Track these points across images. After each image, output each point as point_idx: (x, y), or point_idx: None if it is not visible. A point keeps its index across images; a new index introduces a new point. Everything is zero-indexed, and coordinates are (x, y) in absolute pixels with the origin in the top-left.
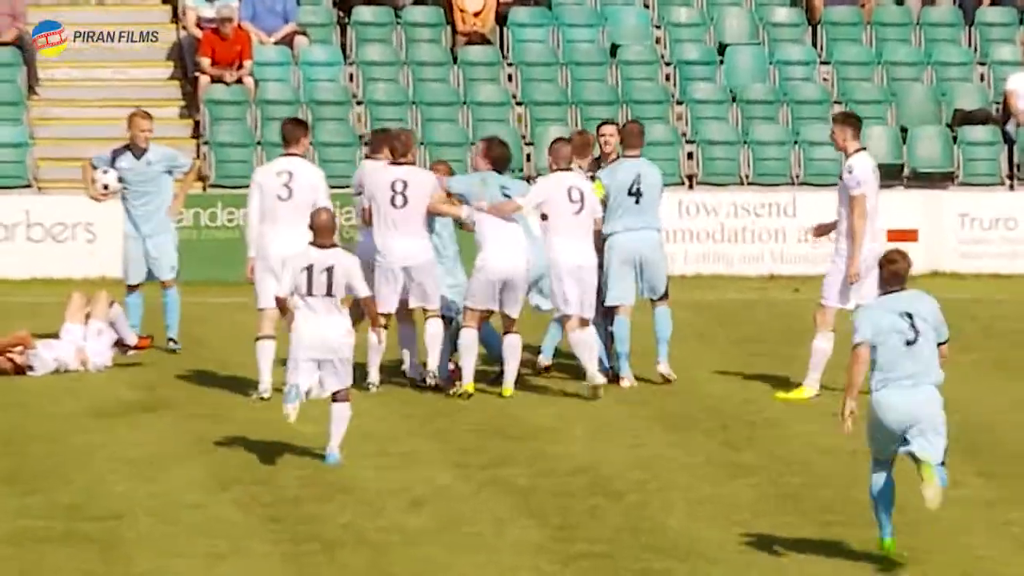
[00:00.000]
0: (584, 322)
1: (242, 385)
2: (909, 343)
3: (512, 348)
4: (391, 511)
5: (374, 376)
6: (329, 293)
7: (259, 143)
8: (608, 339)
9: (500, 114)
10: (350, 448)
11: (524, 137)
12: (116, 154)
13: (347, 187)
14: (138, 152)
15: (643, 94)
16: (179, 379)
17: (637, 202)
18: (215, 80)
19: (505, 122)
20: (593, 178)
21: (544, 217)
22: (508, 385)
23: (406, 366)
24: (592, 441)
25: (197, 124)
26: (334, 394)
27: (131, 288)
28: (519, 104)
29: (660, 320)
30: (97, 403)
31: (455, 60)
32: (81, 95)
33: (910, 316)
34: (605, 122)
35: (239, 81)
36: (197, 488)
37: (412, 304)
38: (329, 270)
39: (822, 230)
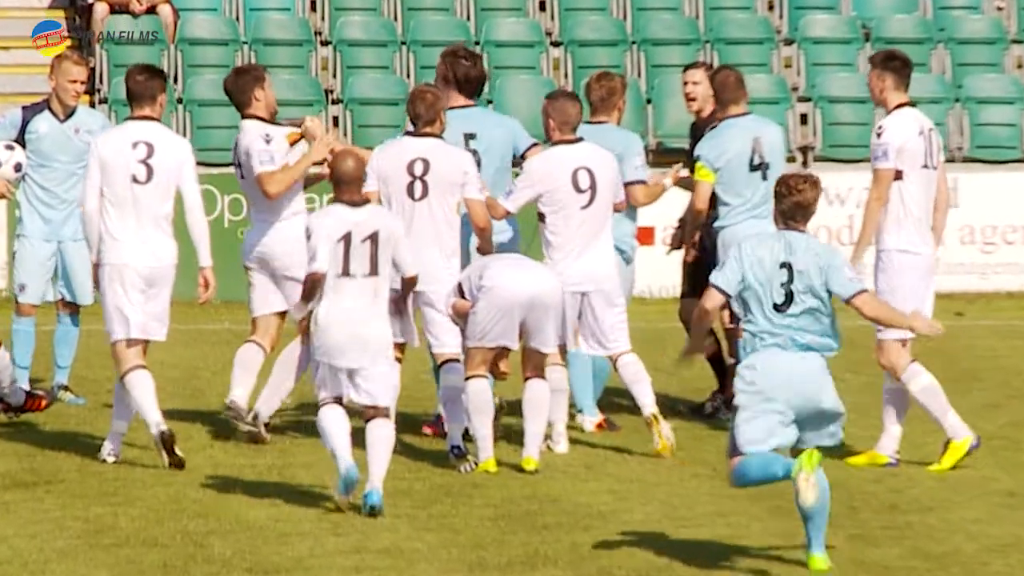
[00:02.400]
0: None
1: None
2: (777, 307)
3: (537, 401)
4: None
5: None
6: (374, 271)
7: (181, 102)
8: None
9: (529, 59)
10: (312, 540)
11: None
12: (29, 114)
13: None
14: (63, 112)
15: (736, 30)
16: (69, 443)
17: (764, 177)
18: (117, 9)
19: (536, 70)
20: (696, 160)
21: (541, 218)
22: (531, 454)
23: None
24: (663, 531)
25: (92, 73)
26: (370, 413)
27: (23, 310)
28: (556, 45)
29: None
30: None
31: None
32: None
33: (790, 270)
34: (691, 66)
35: (151, 11)
36: None
37: (435, 346)
38: (372, 238)
39: None
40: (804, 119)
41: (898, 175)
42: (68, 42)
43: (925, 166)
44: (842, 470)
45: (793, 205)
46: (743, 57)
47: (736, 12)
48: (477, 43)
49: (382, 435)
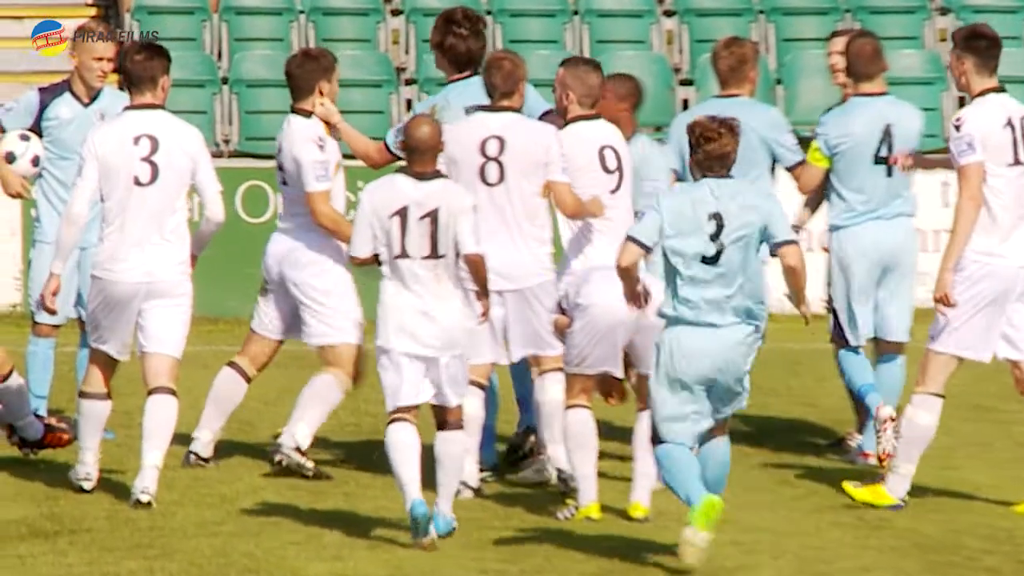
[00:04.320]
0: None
1: (200, 493)
2: (706, 260)
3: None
4: None
5: (469, 469)
6: (435, 252)
7: (226, 82)
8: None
9: (637, 31)
10: None
11: (678, 71)
12: (47, 98)
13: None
14: (87, 95)
15: None
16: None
17: (889, 174)
18: None
19: (645, 44)
20: (807, 141)
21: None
22: (640, 498)
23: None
24: None
25: (120, 46)
26: (440, 417)
27: (41, 330)
28: (669, 15)
29: (886, 379)
30: None
31: None
32: None
33: (719, 219)
34: (838, 33)
35: None
36: None
37: (515, 352)
38: (432, 215)
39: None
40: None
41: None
42: (95, 10)
43: (1017, 162)
44: (1009, 519)
45: (707, 154)
46: (891, 29)
47: None
48: (576, 13)
49: (451, 452)
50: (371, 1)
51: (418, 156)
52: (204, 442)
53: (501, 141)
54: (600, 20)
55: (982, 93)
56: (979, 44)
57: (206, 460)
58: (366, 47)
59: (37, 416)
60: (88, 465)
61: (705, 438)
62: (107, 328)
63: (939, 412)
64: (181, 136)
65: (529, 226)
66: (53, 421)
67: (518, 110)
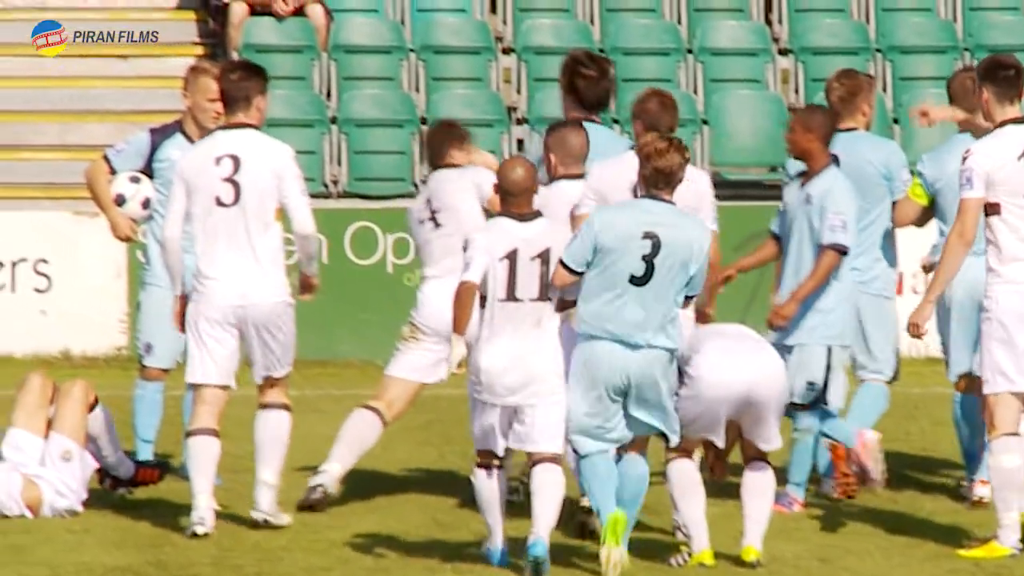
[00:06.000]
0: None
1: (308, 539)
2: (635, 280)
3: (758, 484)
4: None
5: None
6: (543, 295)
7: (335, 122)
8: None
9: (752, 69)
10: None
11: (793, 111)
12: (158, 138)
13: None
14: (200, 136)
15: (1001, 35)
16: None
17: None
18: (257, 11)
19: (760, 84)
20: (914, 175)
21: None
22: (753, 541)
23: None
24: None
25: None
26: (534, 455)
27: (150, 374)
28: (784, 53)
29: (967, 420)
30: (57, 574)
31: None
32: (26, 35)
33: (655, 241)
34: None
35: (299, 12)
36: None
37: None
38: (543, 256)
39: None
40: None
41: (995, 208)
42: (203, 49)
43: None
44: None
45: (654, 171)
46: None
47: (1002, 14)
48: (689, 51)
49: (549, 480)
50: (482, 39)
51: (513, 198)
52: (334, 475)
53: None
54: (714, 59)
55: (1003, 124)
56: (997, 74)
57: (326, 496)
58: (477, 86)
59: (128, 456)
60: (200, 510)
61: (622, 453)
62: (206, 354)
63: (1021, 450)
64: (266, 154)
65: None
66: (145, 459)
67: None
